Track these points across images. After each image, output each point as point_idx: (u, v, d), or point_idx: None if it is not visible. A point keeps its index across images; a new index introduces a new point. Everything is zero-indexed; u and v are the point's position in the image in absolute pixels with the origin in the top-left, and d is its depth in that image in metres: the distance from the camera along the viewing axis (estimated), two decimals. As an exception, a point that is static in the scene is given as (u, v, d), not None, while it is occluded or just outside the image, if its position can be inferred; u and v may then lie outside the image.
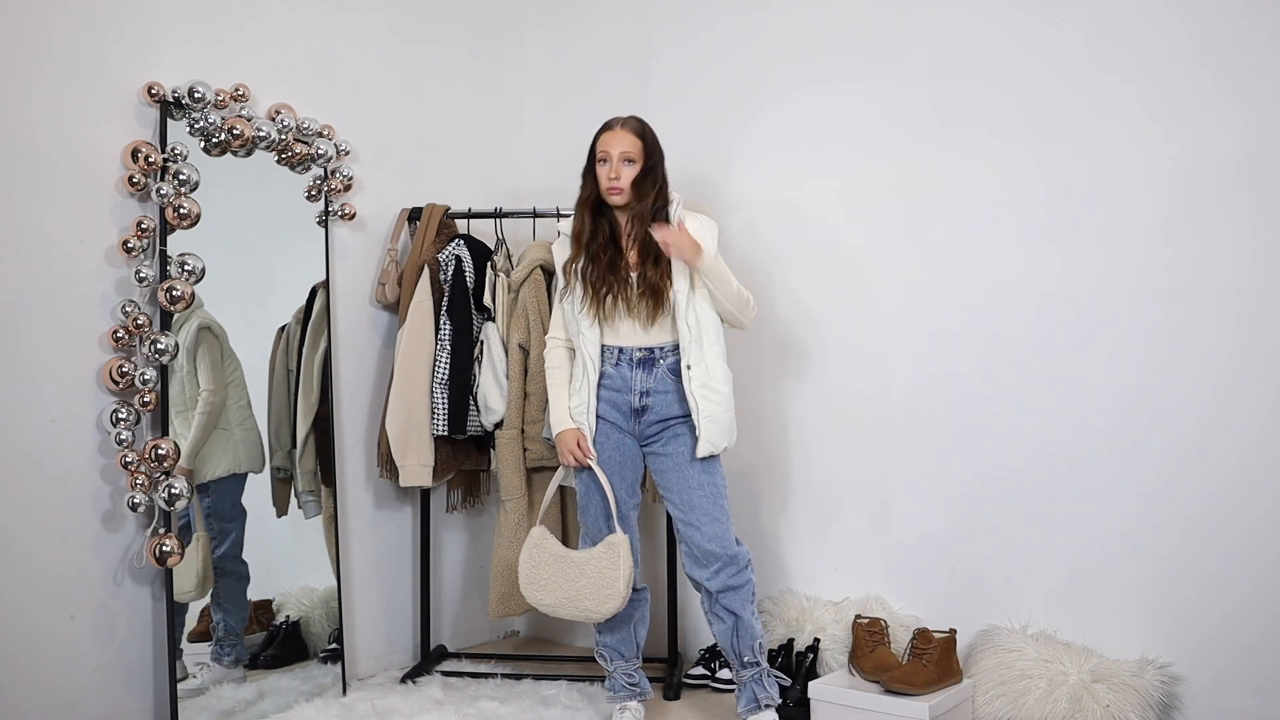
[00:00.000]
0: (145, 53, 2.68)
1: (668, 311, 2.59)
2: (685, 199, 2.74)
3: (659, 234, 2.53)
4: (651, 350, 2.62)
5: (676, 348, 2.62)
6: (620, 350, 2.63)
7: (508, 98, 3.85)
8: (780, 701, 2.67)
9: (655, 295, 2.58)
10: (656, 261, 2.59)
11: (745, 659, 2.63)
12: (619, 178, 2.57)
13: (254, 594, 2.86)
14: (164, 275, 2.60)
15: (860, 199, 3.15)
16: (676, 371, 2.61)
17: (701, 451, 2.56)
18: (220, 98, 2.76)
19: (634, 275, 2.61)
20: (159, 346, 2.56)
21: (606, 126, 2.64)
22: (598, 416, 2.63)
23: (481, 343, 3.18)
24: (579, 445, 2.61)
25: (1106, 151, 2.74)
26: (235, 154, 2.81)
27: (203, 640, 2.72)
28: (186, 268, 2.61)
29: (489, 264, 3.25)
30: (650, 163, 2.61)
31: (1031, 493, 2.83)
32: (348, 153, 3.15)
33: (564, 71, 3.84)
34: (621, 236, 2.65)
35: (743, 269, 2.90)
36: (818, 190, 3.22)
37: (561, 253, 2.71)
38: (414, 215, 3.35)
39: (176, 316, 2.64)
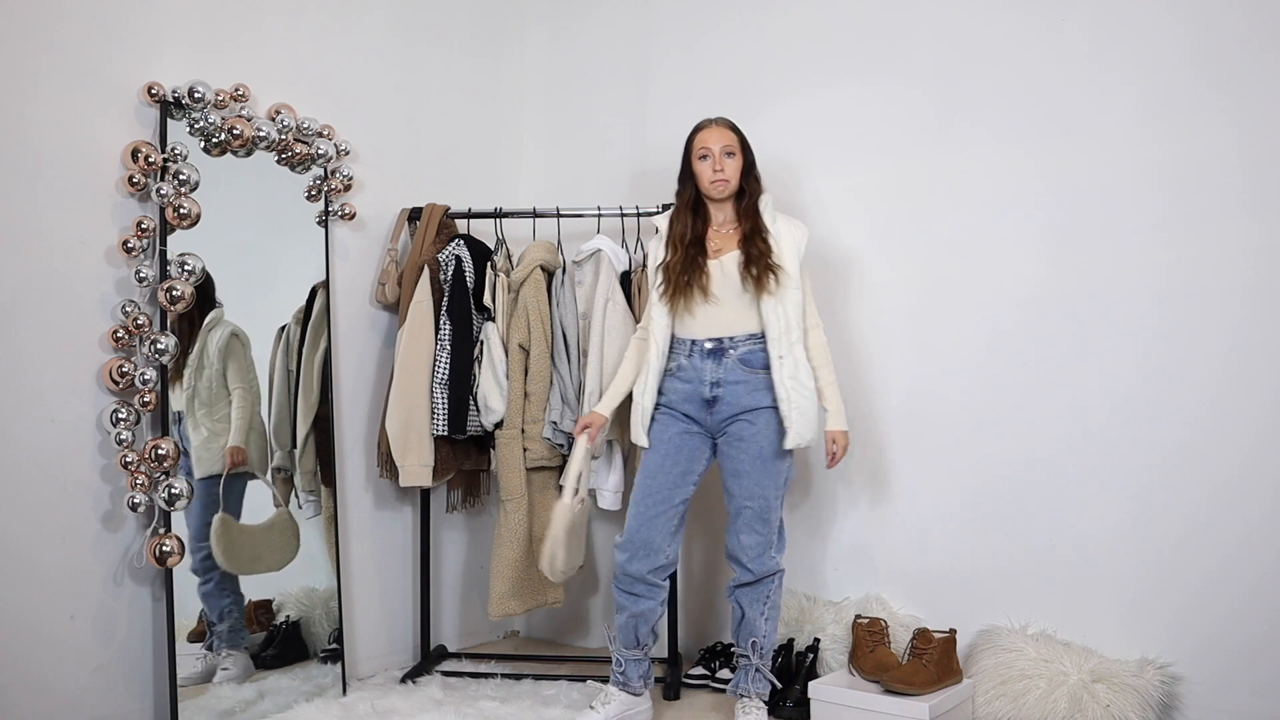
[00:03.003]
0: (145, 53, 2.68)
1: (770, 293, 2.61)
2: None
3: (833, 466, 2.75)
4: (720, 340, 2.65)
5: (749, 338, 2.65)
6: (692, 342, 2.68)
7: (508, 98, 3.85)
8: (765, 695, 2.71)
9: (759, 282, 2.62)
10: (768, 267, 2.63)
11: (740, 650, 2.72)
12: (723, 170, 2.66)
13: (254, 594, 2.85)
14: (164, 275, 2.60)
15: (860, 199, 3.15)
16: (748, 362, 2.64)
17: (790, 443, 2.60)
18: (220, 98, 2.76)
19: (710, 264, 2.66)
20: (159, 346, 2.56)
21: (701, 126, 2.73)
22: (667, 406, 2.69)
23: (481, 343, 3.18)
24: (587, 428, 2.75)
25: (1106, 152, 2.74)
26: (235, 154, 2.81)
27: (200, 640, 2.72)
28: (186, 268, 2.61)
29: (489, 264, 3.25)
30: (750, 158, 2.71)
31: (1031, 493, 2.83)
32: (348, 153, 3.15)
33: (564, 72, 3.84)
34: (708, 231, 2.72)
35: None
36: (818, 190, 3.22)
37: (658, 253, 2.77)
38: (414, 215, 3.35)
39: (208, 321, 2.70)
